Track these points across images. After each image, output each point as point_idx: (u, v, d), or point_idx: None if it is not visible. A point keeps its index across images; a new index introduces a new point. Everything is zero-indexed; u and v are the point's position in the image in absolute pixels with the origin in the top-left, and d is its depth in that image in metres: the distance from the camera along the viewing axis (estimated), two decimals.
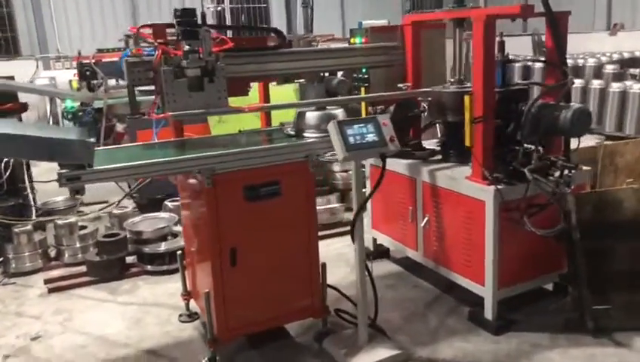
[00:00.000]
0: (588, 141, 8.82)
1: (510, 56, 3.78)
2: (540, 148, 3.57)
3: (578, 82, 10.28)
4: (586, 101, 10.05)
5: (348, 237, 3.33)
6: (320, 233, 5.39)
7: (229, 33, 3.74)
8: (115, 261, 4.75)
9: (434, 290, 4.25)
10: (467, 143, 3.57)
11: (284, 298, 3.46)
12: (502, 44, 3.72)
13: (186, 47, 3.13)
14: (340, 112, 3.63)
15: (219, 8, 10.97)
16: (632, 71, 10.20)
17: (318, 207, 5.64)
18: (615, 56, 11.16)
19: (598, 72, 10.45)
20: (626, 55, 11.24)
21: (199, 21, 3.23)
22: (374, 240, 4.86)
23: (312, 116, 3.55)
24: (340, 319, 3.73)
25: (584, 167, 3.94)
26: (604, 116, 9.63)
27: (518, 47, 13.63)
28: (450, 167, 4.01)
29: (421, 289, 4.32)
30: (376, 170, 4.49)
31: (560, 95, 3.56)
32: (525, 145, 3.63)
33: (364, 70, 4.33)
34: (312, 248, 3.48)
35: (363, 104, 4.52)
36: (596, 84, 9.97)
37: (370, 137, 3.04)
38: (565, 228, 3.68)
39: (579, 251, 3.66)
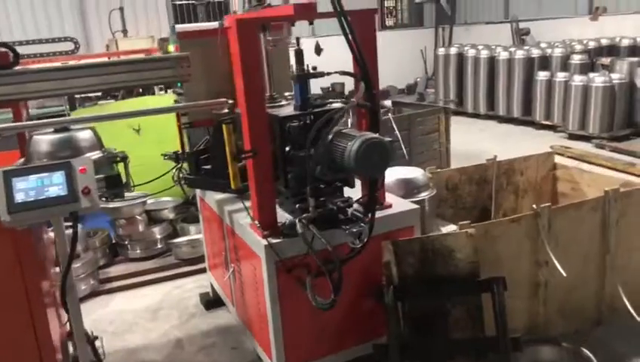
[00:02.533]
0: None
1: (313, 70, 2.95)
2: (342, 186, 2.79)
3: (543, 75, 9.33)
4: (551, 97, 9.11)
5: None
6: (171, 272, 4.81)
7: None
8: None
9: (252, 354, 3.50)
10: (232, 185, 2.80)
11: None
12: (299, 53, 2.91)
13: None
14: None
15: None
16: (602, 60, 9.15)
17: (176, 240, 5.02)
18: (592, 44, 10.10)
19: (565, 63, 9.44)
20: (604, 42, 10.16)
21: None
22: (211, 284, 4.12)
23: (45, 141, 2.80)
24: None
25: (412, 206, 3.12)
26: (567, 113, 8.65)
27: (499, 36, 12.63)
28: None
29: (239, 352, 3.57)
30: (204, 204, 3.78)
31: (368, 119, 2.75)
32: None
33: (179, 84, 3.60)
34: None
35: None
36: (561, 76, 9.00)
37: (54, 191, 2.29)
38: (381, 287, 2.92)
39: (392, 316, 2.87)
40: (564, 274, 3.09)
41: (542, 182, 4.49)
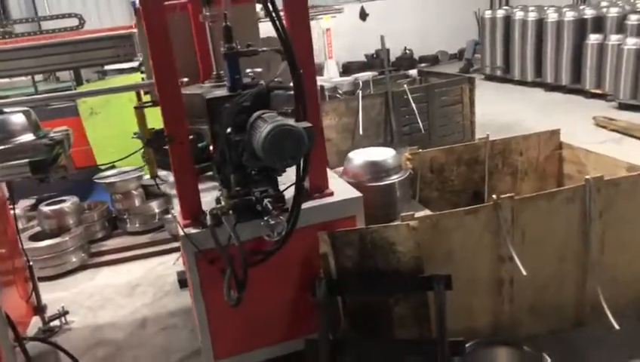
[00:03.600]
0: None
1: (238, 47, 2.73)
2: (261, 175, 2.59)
3: (594, 39, 8.51)
4: (603, 63, 8.31)
5: None
6: (159, 247, 4.77)
7: None
8: None
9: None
10: (149, 174, 2.68)
11: None
12: (228, 29, 2.69)
13: None
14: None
15: None
16: None
17: (168, 215, 4.90)
18: None
19: (621, 24, 8.51)
20: None
21: None
22: None
23: None
24: None
25: (354, 194, 2.88)
26: (619, 80, 7.87)
27: None
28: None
29: (195, 334, 3.52)
30: None
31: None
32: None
33: None
34: None
35: None
36: (614, 40, 8.16)
37: None
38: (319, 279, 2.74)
39: (322, 311, 2.69)
40: (524, 272, 2.77)
41: (545, 163, 4.07)
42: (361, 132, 5.96)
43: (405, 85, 6.34)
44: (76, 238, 4.61)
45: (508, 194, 2.83)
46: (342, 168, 3.62)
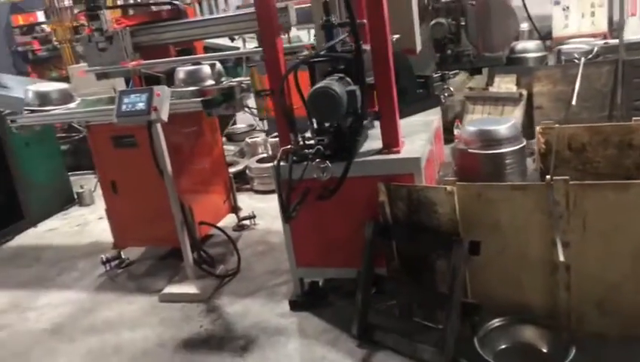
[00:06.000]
0: None
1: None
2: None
3: None
4: None
5: None
6: None
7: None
8: None
9: None
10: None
11: (160, 223, 4.21)
12: (326, 4, 3.22)
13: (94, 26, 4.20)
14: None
15: None
16: None
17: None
18: None
19: None
20: None
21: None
22: None
23: (181, 71, 4.07)
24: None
25: (414, 155, 3.15)
26: None
27: None
28: None
29: None
30: None
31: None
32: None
33: None
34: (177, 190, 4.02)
35: None
36: None
37: (140, 106, 3.52)
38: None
39: (367, 249, 3.18)
40: (562, 258, 2.68)
41: None
42: (573, 102, 5.54)
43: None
44: None
45: (562, 177, 2.72)
46: None
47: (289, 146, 3.20)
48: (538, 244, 2.88)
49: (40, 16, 9.98)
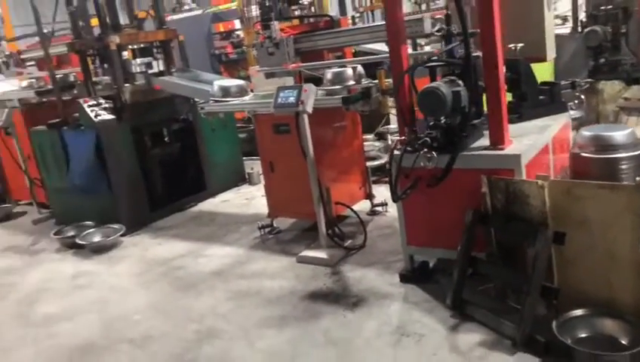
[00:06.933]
0: None
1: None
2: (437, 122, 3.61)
3: None
4: None
5: None
6: None
7: None
8: None
9: None
10: None
11: (306, 200, 5.01)
12: (448, 17, 3.68)
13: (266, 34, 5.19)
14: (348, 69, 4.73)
15: None
16: None
17: None
18: None
19: None
20: None
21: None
22: None
23: (329, 72, 4.81)
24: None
25: (515, 152, 3.48)
26: None
27: None
28: None
29: None
30: None
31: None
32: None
33: None
34: (318, 173, 4.75)
35: None
36: None
37: (291, 99, 4.34)
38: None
39: (465, 236, 3.59)
40: None
41: None
42: None
43: None
44: None
45: None
46: None
47: (403, 138, 3.75)
48: (628, 244, 3.03)
49: (237, 24, 11.65)
